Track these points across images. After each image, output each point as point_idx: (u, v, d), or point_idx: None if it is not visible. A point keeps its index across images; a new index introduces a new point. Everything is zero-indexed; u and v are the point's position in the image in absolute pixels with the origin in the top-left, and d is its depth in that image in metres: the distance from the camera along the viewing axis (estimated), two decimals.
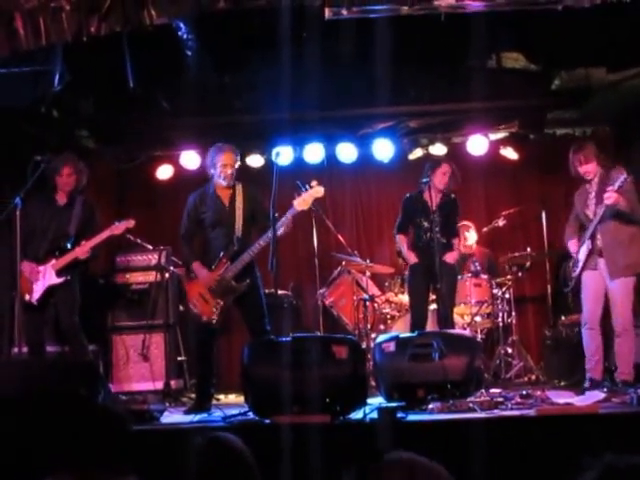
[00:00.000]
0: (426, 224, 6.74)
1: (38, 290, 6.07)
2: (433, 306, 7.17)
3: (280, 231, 5.68)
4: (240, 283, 5.86)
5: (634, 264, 5.98)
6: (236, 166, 6.08)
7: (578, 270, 6.18)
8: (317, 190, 5.84)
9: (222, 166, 5.96)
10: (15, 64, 5.86)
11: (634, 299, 6.07)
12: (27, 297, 6.07)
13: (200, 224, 6.06)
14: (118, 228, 6.29)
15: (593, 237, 6.06)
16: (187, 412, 5.66)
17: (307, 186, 5.85)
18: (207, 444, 2.39)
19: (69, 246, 6.19)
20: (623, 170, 5.88)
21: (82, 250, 6.14)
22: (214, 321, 5.86)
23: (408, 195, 7.01)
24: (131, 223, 6.34)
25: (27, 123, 6.90)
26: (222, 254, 5.88)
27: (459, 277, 7.62)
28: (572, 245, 6.33)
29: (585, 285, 6.15)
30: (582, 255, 6.15)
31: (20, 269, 5.98)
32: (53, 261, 6.11)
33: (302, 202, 5.80)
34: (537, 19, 5.72)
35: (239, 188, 6.05)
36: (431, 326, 7.06)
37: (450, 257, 6.74)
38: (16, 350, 6.30)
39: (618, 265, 5.95)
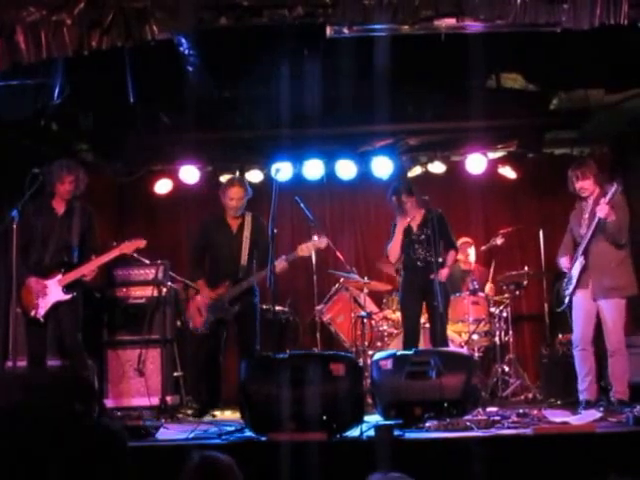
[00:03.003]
0: (411, 244, 6.74)
1: (44, 306, 5.96)
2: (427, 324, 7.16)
3: (276, 269, 6.02)
4: (233, 306, 6.47)
5: (619, 287, 5.97)
6: (245, 199, 6.57)
7: (572, 287, 6.16)
8: (321, 241, 6.41)
9: (229, 199, 6.52)
10: (16, 77, 5.86)
11: (626, 319, 6.07)
12: (32, 313, 5.96)
13: (209, 246, 6.65)
14: (128, 247, 6.24)
15: (585, 254, 6.05)
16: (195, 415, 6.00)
17: (314, 237, 6.43)
18: (198, 463, 2.41)
19: (75, 260, 6.11)
20: (615, 182, 5.85)
21: (90, 269, 6.08)
22: (199, 331, 6.57)
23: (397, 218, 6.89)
24: (142, 243, 6.31)
25: (26, 136, 6.91)
26: (226, 279, 6.48)
27: (458, 294, 7.64)
28: (564, 261, 6.31)
29: (576, 306, 6.14)
30: (575, 271, 6.13)
31: (26, 284, 5.96)
32: (59, 276, 6.00)
33: (305, 249, 6.38)
34: (536, 40, 5.75)
35: (248, 219, 6.61)
36: (423, 344, 7.05)
37: (440, 275, 6.55)
38: (10, 364, 6.27)
39: (603, 286, 5.95)
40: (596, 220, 5.92)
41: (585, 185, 6.10)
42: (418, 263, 6.66)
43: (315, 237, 6.37)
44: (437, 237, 6.65)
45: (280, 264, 6.22)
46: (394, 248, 6.84)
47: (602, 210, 5.81)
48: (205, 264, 6.73)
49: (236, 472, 2.44)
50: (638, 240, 6.24)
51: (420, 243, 6.68)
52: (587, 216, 6.12)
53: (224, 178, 8.54)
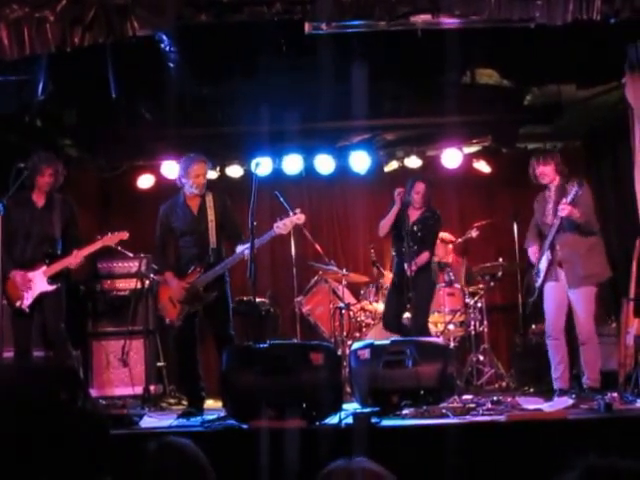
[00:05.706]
0: (403, 236, 6.84)
1: (29, 297, 6.05)
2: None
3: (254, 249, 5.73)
4: (208, 293, 5.98)
5: (593, 275, 6.07)
6: (207, 176, 6.23)
7: (540, 280, 6.24)
8: (298, 217, 5.94)
9: (195, 176, 6.06)
10: None
11: (596, 308, 6.17)
12: (18, 304, 6.05)
13: (172, 233, 6.20)
14: (111, 239, 6.28)
15: (552, 248, 6.13)
16: (180, 416, 5.64)
17: (290, 212, 5.96)
18: (159, 449, 2.39)
19: (58, 251, 6.18)
20: (575, 183, 5.91)
21: (75, 260, 6.14)
22: (176, 324, 6.05)
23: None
24: (125, 235, 6.33)
25: (11, 132, 6.94)
26: (196, 265, 6.03)
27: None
28: (532, 253, 6.43)
29: (547, 297, 6.22)
30: (543, 265, 6.21)
31: (11, 277, 6.01)
32: (44, 267, 6.08)
33: (282, 227, 5.90)
34: (510, 36, 5.84)
35: (209, 197, 6.15)
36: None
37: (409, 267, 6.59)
38: None
39: (577, 276, 6.03)
40: (559, 219, 6.00)
41: (545, 171, 6.16)
42: (404, 256, 6.71)
43: (291, 213, 5.96)
44: (427, 235, 6.84)
45: (258, 245, 5.86)
46: (384, 224, 6.94)
47: (564, 210, 5.87)
48: (171, 254, 6.32)
49: (199, 454, 2.39)
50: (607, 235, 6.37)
51: (412, 237, 6.74)
52: (551, 205, 6.19)
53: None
